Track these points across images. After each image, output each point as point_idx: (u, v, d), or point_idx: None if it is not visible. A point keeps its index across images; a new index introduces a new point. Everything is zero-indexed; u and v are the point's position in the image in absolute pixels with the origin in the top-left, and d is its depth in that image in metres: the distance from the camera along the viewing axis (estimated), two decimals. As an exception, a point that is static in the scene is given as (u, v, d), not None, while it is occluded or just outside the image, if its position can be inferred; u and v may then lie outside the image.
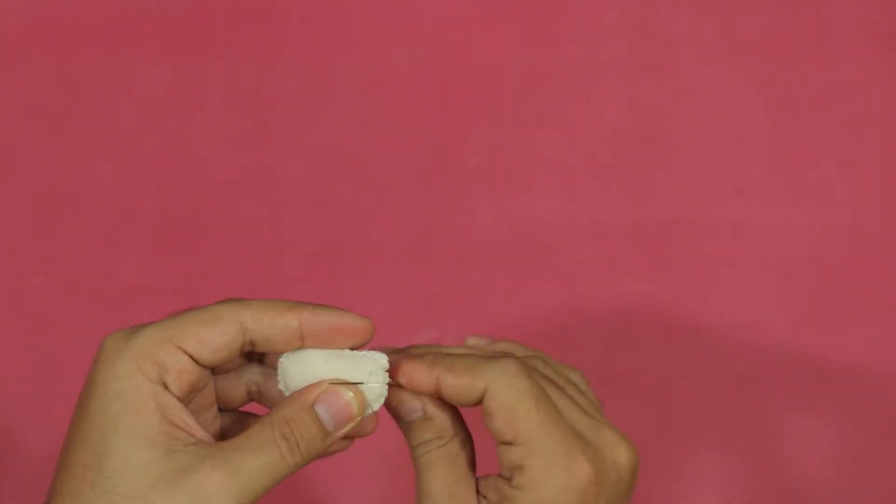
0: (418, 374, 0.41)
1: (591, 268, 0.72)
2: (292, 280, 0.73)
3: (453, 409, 0.42)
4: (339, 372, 0.41)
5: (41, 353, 0.74)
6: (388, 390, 0.41)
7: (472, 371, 0.41)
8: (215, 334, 0.39)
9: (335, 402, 0.40)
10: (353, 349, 0.41)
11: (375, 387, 0.41)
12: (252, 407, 0.44)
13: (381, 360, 0.41)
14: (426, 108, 0.74)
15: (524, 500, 0.40)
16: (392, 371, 0.42)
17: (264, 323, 0.40)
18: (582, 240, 0.72)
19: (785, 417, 0.69)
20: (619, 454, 0.42)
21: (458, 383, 0.41)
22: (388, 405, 0.42)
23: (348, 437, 0.42)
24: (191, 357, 0.39)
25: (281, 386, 0.41)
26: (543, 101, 0.73)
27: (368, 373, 0.41)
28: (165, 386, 0.38)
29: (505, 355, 0.42)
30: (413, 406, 0.42)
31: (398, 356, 0.42)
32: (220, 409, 0.43)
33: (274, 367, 0.42)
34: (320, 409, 0.40)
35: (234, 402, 0.43)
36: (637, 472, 0.43)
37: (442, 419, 0.42)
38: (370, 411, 0.41)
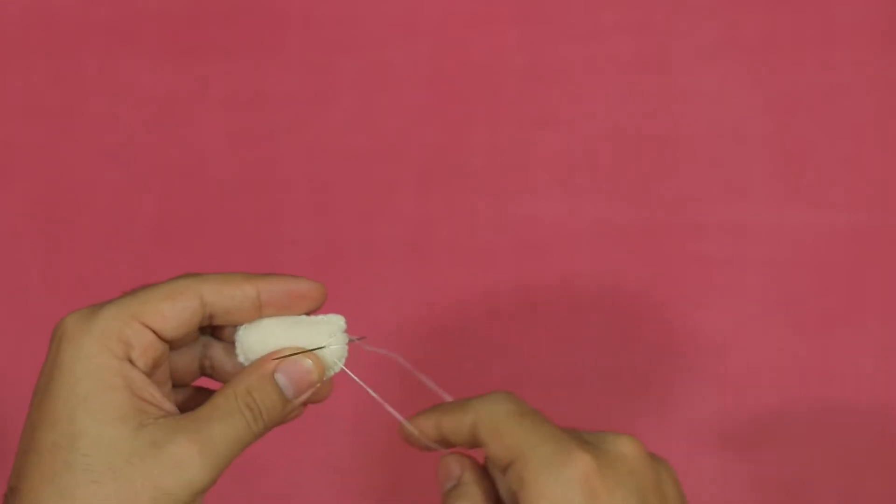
0: (421, 421, 0.43)
1: (590, 268, 0.72)
2: (292, 280, 0.73)
3: (490, 483, 0.43)
4: (298, 338, 0.41)
5: (41, 353, 0.74)
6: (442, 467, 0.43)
7: (463, 407, 0.41)
8: (177, 309, 0.39)
9: (295, 369, 0.41)
10: (307, 315, 0.42)
11: (336, 348, 0.41)
12: (203, 381, 0.44)
13: (339, 321, 0.42)
14: (426, 108, 0.74)
15: None
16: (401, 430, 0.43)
17: (224, 295, 0.40)
18: (582, 240, 0.72)
19: (784, 417, 0.69)
20: (621, 444, 0.41)
21: (452, 419, 0.41)
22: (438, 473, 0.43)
23: (303, 403, 0.42)
24: (154, 333, 0.39)
25: (241, 358, 0.41)
26: (543, 101, 0.73)
27: (328, 335, 0.41)
28: (132, 362, 0.39)
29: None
30: (452, 472, 0.42)
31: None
32: (174, 385, 0.43)
33: (227, 341, 0.43)
34: (280, 378, 0.40)
35: (188, 376, 0.43)
36: (667, 472, 0.42)
37: (475, 489, 0.42)
38: (331, 373, 0.42)
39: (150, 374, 0.39)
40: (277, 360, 0.40)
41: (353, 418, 0.72)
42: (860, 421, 0.69)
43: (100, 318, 0.39)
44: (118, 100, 0.76)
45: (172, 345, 0.41)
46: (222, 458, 0.38)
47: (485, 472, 0.42)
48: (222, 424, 0.38)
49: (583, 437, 0.41)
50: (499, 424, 0.40)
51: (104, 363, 0.38)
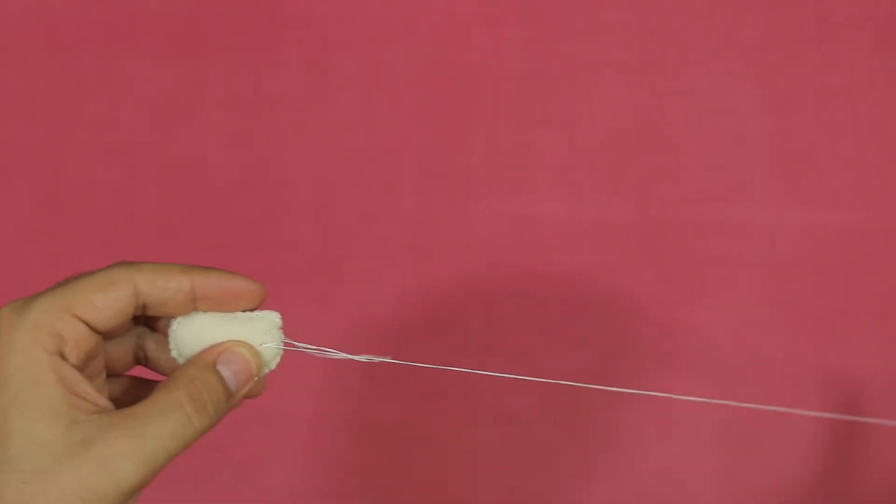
0: None
1: (590, 268, 0.72)
2: (292, 280, 0.73)
3: None
4: (233, 334, 0.40)
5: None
6: None
7: None
8: (109, 300, 0.38)
9: (236, 361, 0.40)
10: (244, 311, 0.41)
11: (271, 346, 0.41)
12: (138, 371, 0.44)
13: (275, 318, 0.41)
14: (426, 108, 0.74)
15: None
16: None
17: (157, 286, 0.39)
18: (582, 240, 0.72)
19: (784, 417, 0.69)
20: None
21: None
22: None
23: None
24: (86, 324, 0.38)
25: (174, 353, 0.41)
26: (543, 101, 0.73)
27: (263, 332, 0.41)
28: (63, 356, 0.38)
29: None
30: None
31: None
32: (108, 375, 0.42)
33: (162, 332, 0.42)
34: (223, 369, 0.39)
35: (122, 366, 0.42)
36: None
37: None
38: (266, 371, 0.41)
39: (83, 367, 0.38)
40: (219, 352, 0.39)
41: (351, 418, 0.72)
42: (860, 421, 0.69)
43: (31, 312, 0.37)
44: (118, 100, 0.76)
45: (106, 336, 0.40)
46: (156, 456, 0.37)
47: None
48: (159, 420, 0.37)
49: None
50: None
51: (35, 357, 0.37)
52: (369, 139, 0.74)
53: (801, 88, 0.71)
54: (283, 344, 0.41)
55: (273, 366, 0.41)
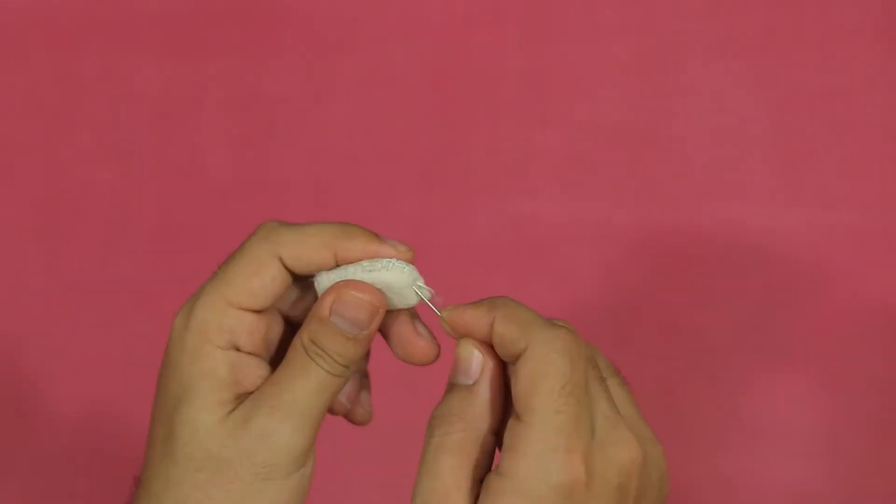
0: (472, 316, 0.42)
1: (590, 268, 0.72)
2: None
3: (501, 403, 0.41)
4: (376, 281, 0.41)
5: (41, 354, 0.74)
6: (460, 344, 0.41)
7: (525, 326, 0.40)
8: (266, 282, 0.40)
9: (346, 308, 0.40)
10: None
11: (411, 293, 0.43)
12: None
13: (413, 271, 0.43)
14: (426, 108, 0.74)
15: (504, 487, 0.37)
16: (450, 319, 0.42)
17: (302, 261, 0.40)
18: (582, 240, 0.72)
19: (784, 418, 0.69)
20: (621, 453, 0.39)
21: (505, 332, 0.40)
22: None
23: (352, 421, 0.43)
24: (252, 311, 0.39)
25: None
26: (543, 101, 0.73)
27: (405, 286, 0.43)
28: (238, 348, 0.39)
29: (566, 327, 0.41)
30: (470, 369, 0.41)
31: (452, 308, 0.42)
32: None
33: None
34: (336, 319, 0.40)
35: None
36: (664, 480, 0.40)
37: (483, 402, 0.40)
38: (403, 306, 0.42)
39: (264, 351, 0.40)
40: (329, 304, 0.40)
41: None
42: (861, 421, 0.69)
43: (197, 312, 0.39)
44: (118, 100, 0.76)
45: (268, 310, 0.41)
46: (309, 415, 0.38)
47: (499, 375, 0.41)
48: (300, 381, 0.38)
49: (599, 435, 0.40)
50: (540, 379, 0.39)
51: (205, 354, 0.38)
52: (369, 140, 0.74)
53: (801, 88, 0.71)
54: (426, 290, 0.43)
55: (413, 302, 0.43)
